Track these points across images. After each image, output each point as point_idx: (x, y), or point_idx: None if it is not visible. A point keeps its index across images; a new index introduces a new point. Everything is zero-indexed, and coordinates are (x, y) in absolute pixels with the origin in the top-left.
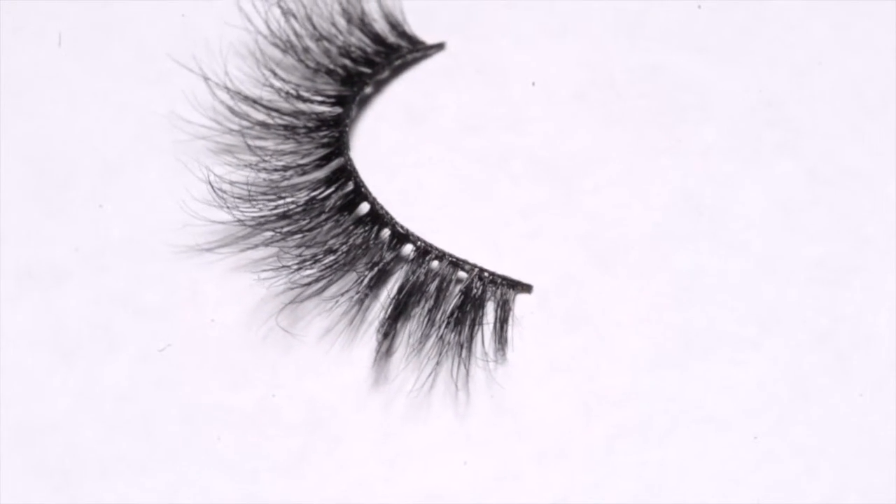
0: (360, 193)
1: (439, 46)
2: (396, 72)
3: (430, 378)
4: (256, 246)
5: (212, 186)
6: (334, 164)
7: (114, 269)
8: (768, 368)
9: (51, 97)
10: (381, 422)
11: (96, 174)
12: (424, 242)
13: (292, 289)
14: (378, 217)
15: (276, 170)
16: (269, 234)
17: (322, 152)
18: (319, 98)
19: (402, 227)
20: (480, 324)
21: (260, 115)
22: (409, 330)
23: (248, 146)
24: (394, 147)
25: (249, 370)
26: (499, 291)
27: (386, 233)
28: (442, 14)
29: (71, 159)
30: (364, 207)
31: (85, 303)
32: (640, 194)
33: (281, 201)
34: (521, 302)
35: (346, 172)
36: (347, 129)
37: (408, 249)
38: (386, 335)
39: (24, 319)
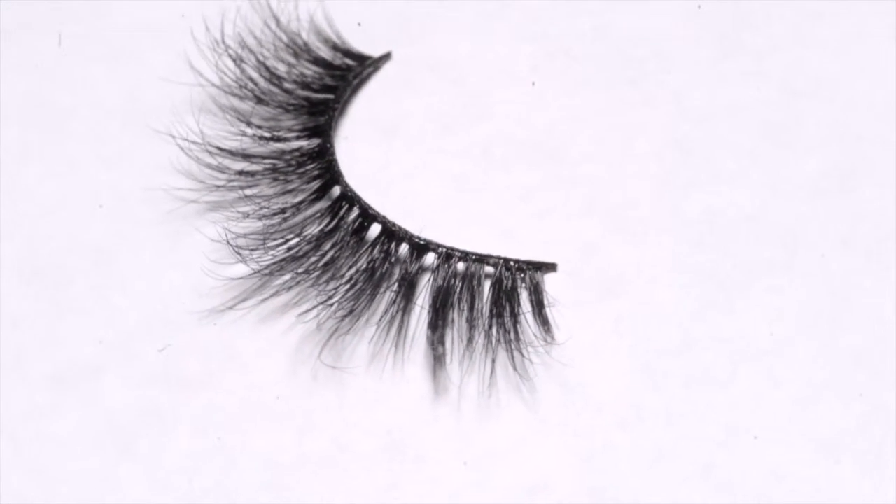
0: (368, 215)
1: (386, 56)
2: (355, 91)
3: (490, 376)
4: (278, 292)
5: (229, 243)
6: (334, 192)
7: (143, 351)
8: (806, 284)
9: (50, 101)
10: (456, 430)
11: (93, 264)
12: (445, 247)
13: (328, 324)
14: (392, 234)
15: (275, 213)
16: (287, 277)
17: (316, 184)
18: (295, 134)
19: (418, 237)
20: (519, 312)
21: (243, 165)
22: (455, 335)
23: (245, 196)
24: (377, 163)
25: (313, 414)
26: (527, 277)
27: (404, 247)
28: (377, 24)
29: (65, 255)
30: (375, 228)
31: (127, 391)
32: (628, 150)
33: (291, 241)
34: (550, 282)
35: (348, 198)
36: (334, 156)
37: (430, 258)
38: (437, 345)
39: (73, 424)
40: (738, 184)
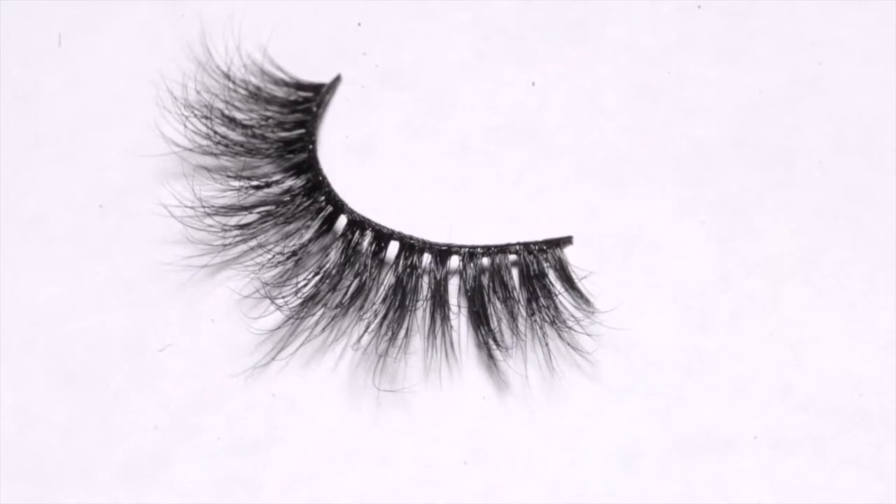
0: (384, 235)
1: (337, 80)
2: (320, 119)
3: (548, 360)
4: (313, 332)
5: (266, 296)
6: (341, 221)
7: (201, 425)
8: (814, 190)
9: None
10: (532, 418)
11: (123, 354)
12: (467, 247)
13: (376, 349)
14: (412, 247)
15: (289, 258)
16: (320, 316)
17: (321, 218)
18: (282, 175)
19: (439, 244)
20: (554, 292)
21: (244, 218)
22: (501, 328)
23: (254, 247)
24: (363, 184)
25: (388, 440)
26: (549, 256)
27: (426, 257)
28: (314, 52)
29: (90, 353)
30: (393, 246)
31: (200, 469)
32: (598, 108)
33: (315, 281)
34: (571, 254)
35: (358, 223)
36: (331, 187)
37: (455, 262)
38: (490, 343)
39: None
40: (715, 111)
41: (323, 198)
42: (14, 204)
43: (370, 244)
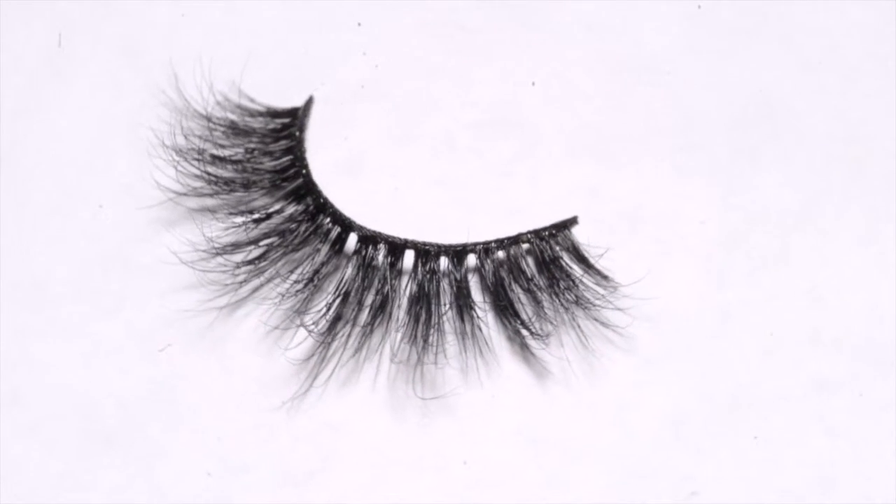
0: (398, 246)
1: (310, 101)
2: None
3: (583, 341)
4: (343, 356)
5: (302, 325)
6: (351, 240)
7: (250, 464)
8: (808, 139)
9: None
10: (582, 400)
11: (159, 406)
12: (481, 244)
13: (411, 358)
14: (427, 253)
15: (307, 284)
16: (347, 335)
17: (331, 240)
18: (284, 203)
19: (454, 246)
20: (570, 274)
21: (253, 252)
22: (529, 318)
23: (273, 277)
24: (358, 199)
25: (441, 447)
26: (559, 239)
27: (443, 260)
28: (278, 78)
29: (125, 410)
30: (409, 255)
31: (255, 498)
32: (572, 88)
33: (336, 301)
34: (579, 236)
35: (370, 239)
36: (335, 207)
37: (472, 260)
38: (525, 334)
39: None
40: (693, 75)
41: (328, 219)
42: (14, 272)
43: (385, 257)
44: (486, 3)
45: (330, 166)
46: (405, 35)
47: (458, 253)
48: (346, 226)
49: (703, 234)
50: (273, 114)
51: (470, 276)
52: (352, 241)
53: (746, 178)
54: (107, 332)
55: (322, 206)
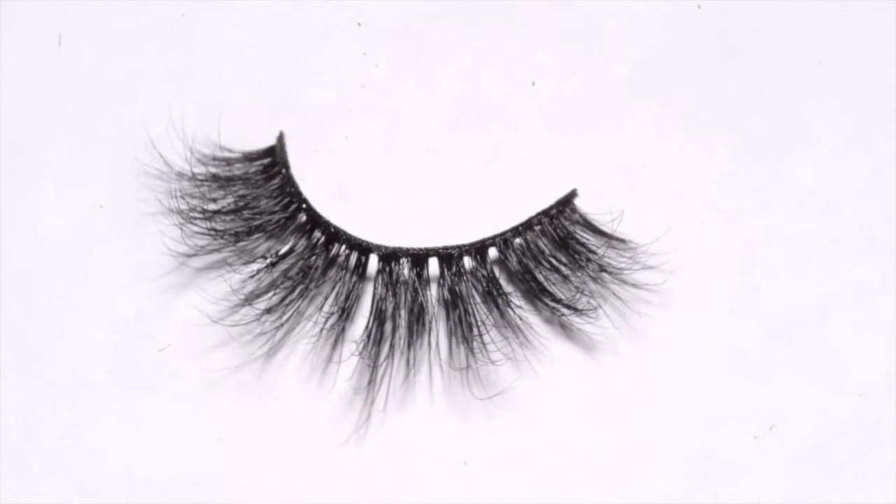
0: (420, 258)
1: (281, 136)
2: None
3: (625, 306)
4: (393, 374)
5: (362, 356)
6: (372, 261)
7: (340, 497)
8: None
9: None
10: (631, 364)
11: (214, 467)
12: (499, 236)
13: (463, 363)
14: (450, 256)
15: (341, 317)
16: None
17: (351, 267)
18: (293, 241)
19: (475, 244)
20: (588, 246)
21: (276, 296)
22: (567, 299)
23: (303, 320)
24: (361, 220)
25: (521, 443)
26: (568, 214)
27: (467, 260)
28: (246, 114)
29: (169, 483)
30: (433, 262)
31: None
32: (534, 65)
33: (375, 323)
34: (586, 206)
35: (391, 255)
36: (346, 233)
37: (493, 253)
38: (566, 312)
39: None
40: (693, 75)
41: (343, 246)
42: (48, 364)
43: (411, 270)
44: (526, 12)
45: (319, 197)
46: (347, 53)
47: (479, 250)
48: (364, 248)
49: (702, 176)
50: (251, 157)
51: (499, 269)
52: (372, 261)
53: (727, 116)
54: (149, 408)
55: (334, 235)
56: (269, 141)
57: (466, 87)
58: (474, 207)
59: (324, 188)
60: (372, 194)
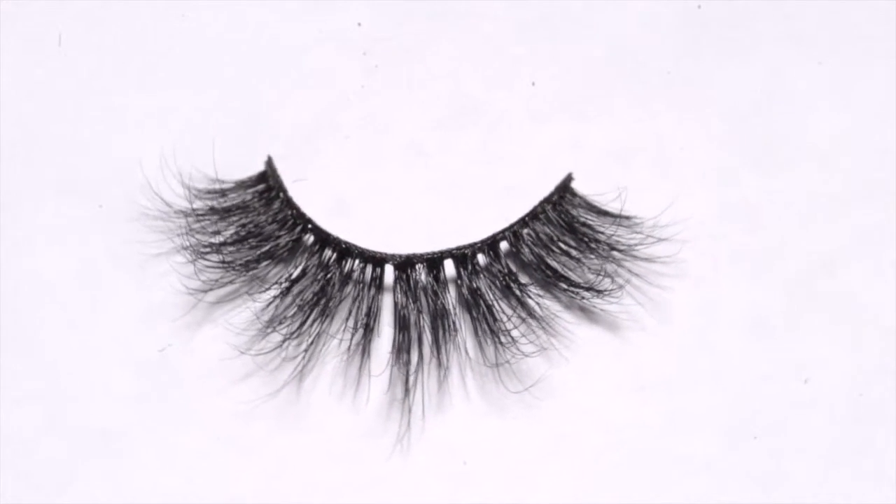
0: (437, 261)
1: (270, 160)
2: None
3: (643, 282)
4: (427, 382)
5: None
6: (388, 271)
7: None
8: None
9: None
10: (660, 332)
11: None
12: (509, 230)
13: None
14: (464, 256)
15: (365, 333)
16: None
17: (367, 280)
18: (302, 264)
19: (486, 240)
20: (594, 228)
21: (295, 319)
22: (589, 282)
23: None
24: (366, 232)
25: (568, 429)
26: (568, 199)
27: (482, 257)
28: (233, 146)
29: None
30: (449, 265)
31: None
32: (506, 59)
33: (402, 333)
34: (583, 189)
35: (407, 263)
36: (359, 248)
37: (504, 246)
38: (587, 296)
39: None
40: (693, 75)
41: (357, 261)
42: (76, 415)
43: (428, 275)
44: (526, 12)
45: (318, 209)
46: (325, 66)
47: (491, 245)
48: (379, 260)
49: (695, 144)
50: (245, 185)
51: (514, 261)
52: (388, 272)
53: (718, 84)
54: (185, 448)
55: (346, 251)
56: (261, 154)
57: (453, 86)
58: (475, 204)
59: (322, 203)
60: (369, 203)
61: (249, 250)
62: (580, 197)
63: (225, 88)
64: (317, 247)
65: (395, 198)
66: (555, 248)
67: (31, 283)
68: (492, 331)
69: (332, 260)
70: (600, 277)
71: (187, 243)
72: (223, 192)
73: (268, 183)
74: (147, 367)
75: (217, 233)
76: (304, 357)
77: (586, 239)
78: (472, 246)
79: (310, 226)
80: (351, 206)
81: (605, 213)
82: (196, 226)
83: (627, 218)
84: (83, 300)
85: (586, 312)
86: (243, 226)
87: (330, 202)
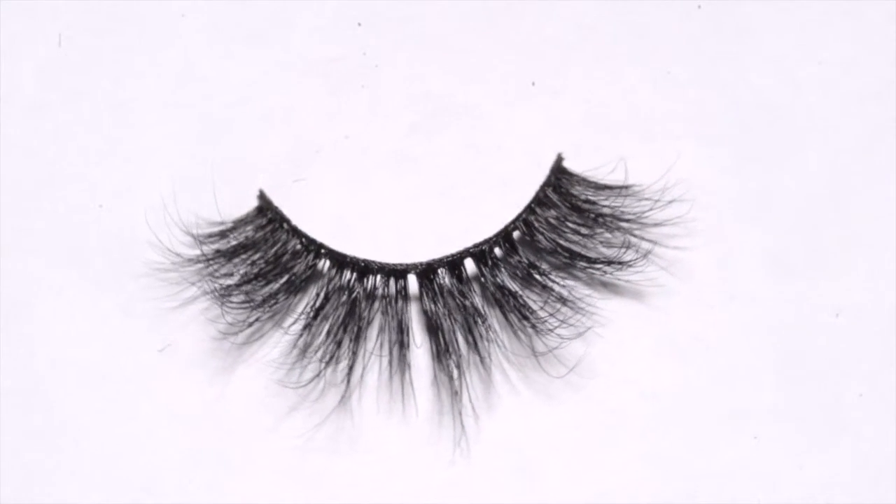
0: (455, 261)
1: (261, 193)
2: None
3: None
4: (475, 390)
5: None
6: (411, 281)
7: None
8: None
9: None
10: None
11: None
12: (519, 219)
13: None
14: (482, 253)
15: (400, 344)
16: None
17: (393, 294)
18: (323, 289)
19: (500, 233)
20: (594, 200)
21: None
22: (598, 257)
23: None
24: (375, 248)
25: (614, 403)
26: (565, 180)
27: (495, 252)
28: (227, 192)
29: None
30: (470, 264)
31: None
32: (481, 57)
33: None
34: (576, 167)
35: (429, 269)
36: (379, 263)
37: (516, 235)
38: (612, 269)
39: None
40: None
41: (379, 276)
42: (124, 475)
43: (451, 277)
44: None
45: (322, 236)
46: (292, 85)
47: (506, 237)
48: (401, 272)
49: (682, 109)
50: (245, 221)
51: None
52: (412, 282)
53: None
54: (251, 493)
55: (366, 269)
56: (246, 184)
57: (425, 87)
58: (472, 202)
59: (322, 224)
60: (370, 216)
61: (267, 285)
62: (576, 175)
63: (207, 131)
64: (334, 270)
65: (394, 206)
66: (565, 230)
67: (55, 359)
68: (527, 320)
69: (353, 280)
70: (622, 249)
71: (209, 289)
72: (223, 234)
73: (267, 216)
74: (190, 421)
75: (230, 274)
76: (346, 380)
77: (593, 215)
78: (488, 241)
79: (323, 250)
80: (352, 223)
81: (605, 187)
82: (207, 271)
83: (628, 187)
84: (110, 375)
85: (608, 286)
86: (253, 263)
87: (330, 222)
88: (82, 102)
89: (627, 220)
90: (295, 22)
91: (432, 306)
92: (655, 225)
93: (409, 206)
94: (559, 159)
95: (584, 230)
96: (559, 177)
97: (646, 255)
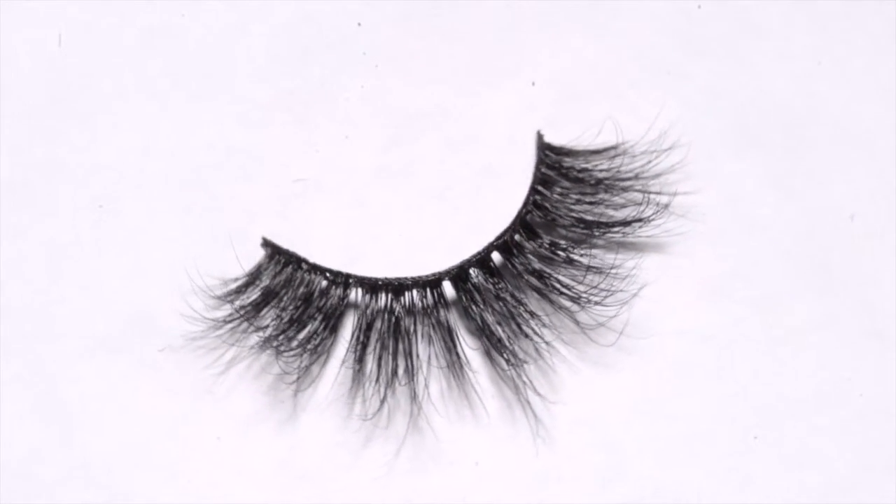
0: (463, 269)
1: (265, 242)
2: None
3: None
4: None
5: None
6: (448, 285)
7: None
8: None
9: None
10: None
11: None
12: (523, 209)
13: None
14: (507, 245)
15: (449, 356)
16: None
17: (430, 307)
18: (360, 320)
19: (517, 222)
20: (590, 168)
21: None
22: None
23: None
24: (381, 267)
25: (649, 382)
26: (552, 157)
27: (517, 238)
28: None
29: None
30: (495, 257)
31: None
32: (449, 59)
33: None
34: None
35: (463, 270)
36: (405, 279)
37: (532, 232)
38: (637, 226)
39: None
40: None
41: (415, 291)
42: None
43: (483, 274)
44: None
45: (333, 263)
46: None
47: (525, 226)
48: (436, 281)
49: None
50: (261, 270)
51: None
52: (447, 288)
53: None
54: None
55: (401, 287)
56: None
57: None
58: (469, 199)
59: (331, 254)
60: (370, 232)
61: (304, 328)
62: (563, 148)
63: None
64: (367, 298)
65: (390, 218)
66: (571, 202)
67: (110, 466)
68: (572, 297)
69: (391, 301)
70: (642, 206)
71: (266, 341)
72: (239, 290)
73: (280, 260)
74: (266, 482)
75: (265, 327)
76: (413, 400)
77: (593, 181)
78: (508, 231)
79: (351, 280)
80: (357, 255)
81: (595, 152)
82: (241, 328)
83: (621, 144)
84: (175, 462)
85: (626, 245)
86: (283, 309)
87: (334, 248)
88: (80, 104)
89: (628, 179)
90: (236, 65)
91: (474, 307)
92: (656, 176)
93: (406, 216)
94: (540, 137)
95: (588, 198)
96: (547, 154)
97: (665, 206)
